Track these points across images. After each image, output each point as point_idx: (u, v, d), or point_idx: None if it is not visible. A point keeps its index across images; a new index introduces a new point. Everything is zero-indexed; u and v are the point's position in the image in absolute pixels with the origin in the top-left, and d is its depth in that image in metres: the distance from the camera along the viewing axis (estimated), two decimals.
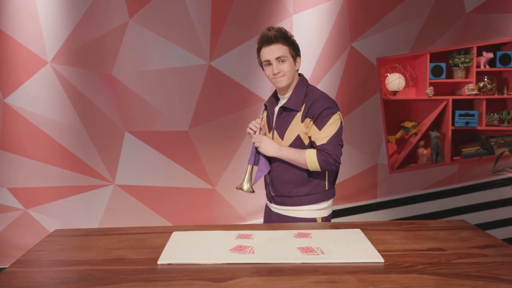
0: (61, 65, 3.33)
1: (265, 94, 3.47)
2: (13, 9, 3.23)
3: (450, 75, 3.89)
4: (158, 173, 3.60)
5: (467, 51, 3.80)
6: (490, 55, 3.81)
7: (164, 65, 3.42)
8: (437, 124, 3.97)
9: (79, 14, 3.29)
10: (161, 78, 3.44)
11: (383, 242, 1.76)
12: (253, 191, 2.17)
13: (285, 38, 2.11)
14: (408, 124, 3.96)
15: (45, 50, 3.30)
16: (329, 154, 2.03)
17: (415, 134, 3.96)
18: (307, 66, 3.49)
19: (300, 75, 2.25)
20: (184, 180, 3.63)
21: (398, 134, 3.97)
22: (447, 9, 3.66)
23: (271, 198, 2.28)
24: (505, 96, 3.88)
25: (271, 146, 2.13)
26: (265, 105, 2.34)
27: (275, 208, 2.26)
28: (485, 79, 3.87)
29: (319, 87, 3.65)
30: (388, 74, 3.86)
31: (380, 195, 3.87)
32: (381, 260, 1.57)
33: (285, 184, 2.18)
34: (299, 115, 2.13)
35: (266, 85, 3.45)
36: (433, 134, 3.91)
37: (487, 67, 3.85)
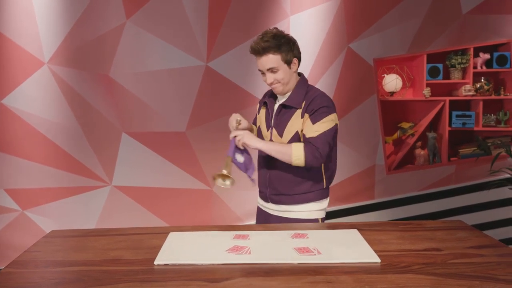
0: (58, 66, 3.33)
1: (262, 95, 3.46)
2: (10, 10, 3.22)
3: (447, 76, 3.90)
4: (156, 174, 3.59)
5: (464, 52, 3.81)
6: (487, 56, 3.82)
7: (161, 66, 3.42)
8: (434, 125, 3.97)
9: (76, 15, 3.29)
10: (158, 79, 3.44)
11: (380, 242, 1.76)
12: (233, 180, 2.00)
13: (276, 47, 2.04)
14: (405, 125, 3.97)
15: (42, 51, 3.30)
16: (317, 148, 2.01)
17: (412, 135, 3.96)
18: (304, 67, 3.49)
19: (300, 74, 2.23)
20: (182, 181, 3.63)
21: (395, 135, 3.97)
22: (444, 10, 3.67)
23: (266, 198, 2.25)
24: (502, 97, 3.89)
25: (255, 138, 2.12)
26: (265, 102, 2.29)
27: (273, 209, 2.25)
28: (482, 80, 3.88)
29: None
30: (385, 75, 3.87)
31: (377, 196, 3.88)
32: (378, 260, 1.57)
33: (286, 182, 2.16)
34: (298, 112, 2.12)
35: (263, 86, 3.44)
36: (430, 135, 3.92)
37: (484, 68, 3.86)
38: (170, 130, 3.54)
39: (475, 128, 3.90)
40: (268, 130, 2.23)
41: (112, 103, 3.45)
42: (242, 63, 3.44)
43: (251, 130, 2.34)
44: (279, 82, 2.11)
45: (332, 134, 2.07)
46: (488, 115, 3.93)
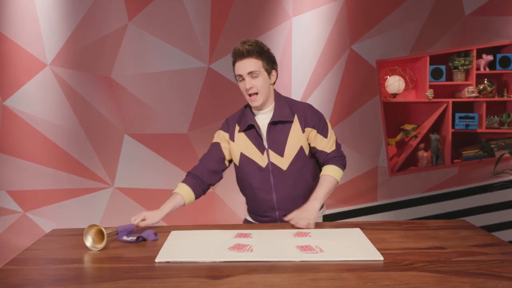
0: (61, 67, 3.34)
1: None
2: (13, 11, 3.24)
3: (450, 77, 3.89)
4: (158, 176, 3.58)
5: (466, 54, 3.80)
6: (490, 57, 3.81)
7: (163, 67, 3.43)
8: (437, 126, 3.96)
9: (78, 17, 3.30)
10: (160, 81, 3.44)
11: (383, 241, 1.75)
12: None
13: (259, 52, 2.02)
14: (408, 127, 3.95)
15: (45, 53, 3.31)
16: (341, 157, 2.16)
17: (415, 136, 3.95)
18: (307, 68, 3.49)
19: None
20: None
21: (398, 137, 3.96)
22: (446, 11, 3.66)
23: (276, 220, 2.15)
24: (505, 98, 3.87)
25: (315, 205, 1.99)
26: (250, 125, 2.11)
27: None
28: (485, 82, 3.86)
29: (318, 89, 3.71)
30: (388, 77, 3.86)
31: (380, 198, 3.86)
32: (381, 258, 1.55)
33: (300, 198, 2.07)
34: (295, 126, 2.08)
35: None
36: (433, 136, 3.90)
37: (487, 69, 3.84)
38: (172, 132, 3.54)
39: (478, 130, 3.88)
40: (263, 153, 2.10)
41: (114, 104, 3.46)
42: None
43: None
44: (257, 93, 2.04)
45: None
46: (492, 116, 3.92)
